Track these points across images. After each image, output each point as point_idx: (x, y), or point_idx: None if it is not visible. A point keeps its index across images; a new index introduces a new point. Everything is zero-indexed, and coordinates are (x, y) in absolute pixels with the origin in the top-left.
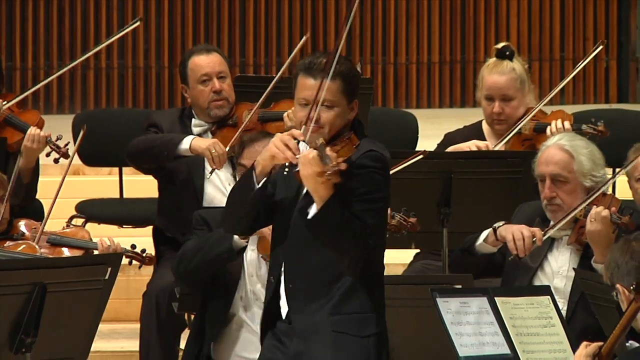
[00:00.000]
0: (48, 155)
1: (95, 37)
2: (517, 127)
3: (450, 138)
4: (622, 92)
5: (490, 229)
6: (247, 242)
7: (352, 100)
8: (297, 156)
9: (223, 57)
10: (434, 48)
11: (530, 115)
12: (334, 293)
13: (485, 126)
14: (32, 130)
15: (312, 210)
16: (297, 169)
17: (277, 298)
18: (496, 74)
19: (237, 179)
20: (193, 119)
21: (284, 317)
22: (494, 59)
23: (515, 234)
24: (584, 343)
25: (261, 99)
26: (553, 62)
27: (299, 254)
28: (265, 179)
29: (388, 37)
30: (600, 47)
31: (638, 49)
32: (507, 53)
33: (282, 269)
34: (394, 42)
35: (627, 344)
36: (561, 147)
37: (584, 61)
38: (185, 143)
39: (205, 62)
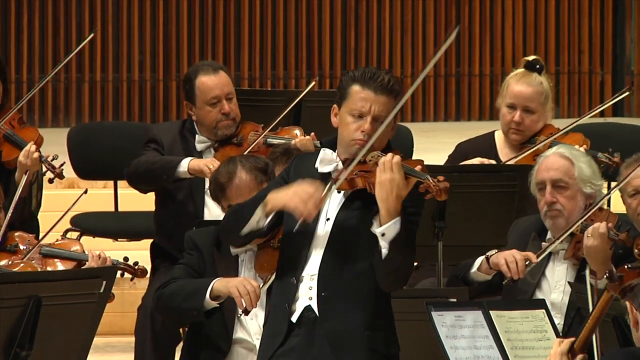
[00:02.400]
0: (44, 173)
1: (90, 49)
2: (534, 147)
3: (462, 148)
4: (617, 105)
5: (483, 257)
6: (218, 305)
7: (395, 121)
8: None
9: (228, 74)
10: (428, 61)
11: (552, 138)
12: (366, 305)
13: (498, 136)
14: (28, 147)
15: (382, 226)
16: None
17: (292, 299)
18: (524, 84)
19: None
20: (197, 135)
21: (294, 319)
22: (522, 69)
23: (508, 257)
24: (557, 340)
25: (271, 123)
26: (548, 76)
27: (336, 263)
28: (270, 217)
29: (383, 50)
30: (627, 94)
31: (633, 62)
32: (537, 67)
33: (306, 273)
34: (388, 55)
35: None
36: (561, 155)
37: (608, 102)
38: (183, 165)
39: (214, 83)
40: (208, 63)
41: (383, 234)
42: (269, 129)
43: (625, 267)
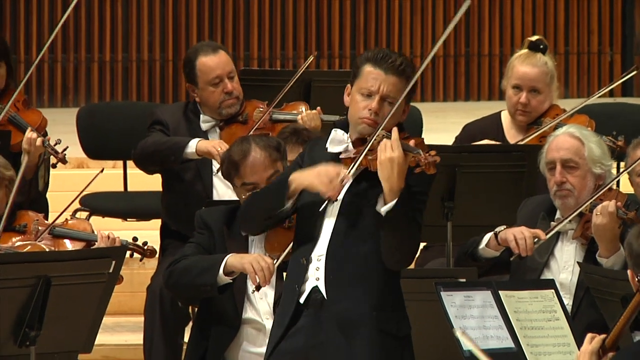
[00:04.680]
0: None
1: (99, 30)
2: (541, 129)
3: (469, 129)
4: (627, 86)
5: (492, 233)
6: (232, 280)
7: (408, 103)
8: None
9: (228, 53)
10: (438, 40)
11: (558, 120)
12: (374, 286)
13: (504, 117)
14: (30, 134)
15: (386, 204)
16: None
17: (301, 280)
18: (529, 65)
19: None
20: (201, 115)
21: (302, 301)
22: (526, 50)
23: (517, 234)
24: (589, 336)
25: (275, 99)
26: (557, 56)
27: (343, 244)
28: (294, 199)
29: (392, 30)
30: (634, 73)
31: None
32: (541, 47)
33: (315, 254)
34: (398, 35)
35: (632, 334)
36: (571, 135)
37: (616, 82)
38: (191, 146)
39: (215, 62)
40: (206, 44)
41: (387, 212)
42: (273, 105)
43: None
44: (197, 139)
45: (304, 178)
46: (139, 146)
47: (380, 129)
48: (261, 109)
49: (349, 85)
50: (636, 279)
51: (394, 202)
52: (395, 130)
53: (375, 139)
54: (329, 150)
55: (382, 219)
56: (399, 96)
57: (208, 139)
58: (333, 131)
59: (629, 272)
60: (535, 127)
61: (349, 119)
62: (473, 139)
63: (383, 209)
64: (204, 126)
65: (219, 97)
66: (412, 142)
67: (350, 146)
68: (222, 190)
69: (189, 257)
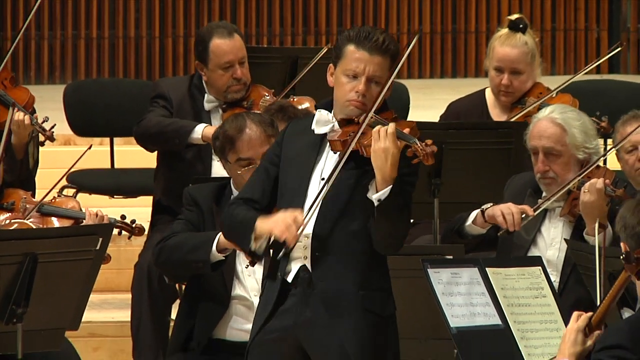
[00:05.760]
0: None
1: (86, 7)
2: (525, 109)
3: (453, 107)
4: (613, 62)
5: (478, 210)
6: (225, 257)
7: (392, 82)
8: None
9: (242, 37)
10: (425, 18)
11: (541, 101)
12: (360, 266)
13: (488, 95)
14: (17, 116)
15: (378, 192)
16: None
17: (288, 258)
18: (508, 46)
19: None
20: (206, 95)
21: (290, 280)
22: (506, 30)
23: (504, 209)
24: (575, 314)
25: (283, 91)
26: (544, 33)
27: (330, 224)
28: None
29: (379, 7)
30: (618, 49)
31: (629, 18)
32: (521, 26)
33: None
34: (384, 12)
35: (620, 311)
36: (553, 121)
37: (600, 59)
38: (197, 132)
39: (229, 47)
40: (223, 25)
41: (379, 200)
42: (280, 96)
43: None
44: (203, 125)
45: (265, 226)
46: (141, 124)
47: (372, 112)
48: (267, 98)
49: (331, 65)
50: (621, 257)
51: (386, 190)
52: (392, 125)
53: (367, 123)
54: (315, 132)
55: (373, 207)
56: (385, 75)
57: (210, 119)
58: (317, 112)
59: (622, 244)
60: (519, 106)
61: (335, 100)
62: (457, 117)
63: (375, 197)
64: (207, 106)
65: (227, 82)
66: (407, 130)
67: (336, 125)
68: (221, 172)
69: (179, 234)
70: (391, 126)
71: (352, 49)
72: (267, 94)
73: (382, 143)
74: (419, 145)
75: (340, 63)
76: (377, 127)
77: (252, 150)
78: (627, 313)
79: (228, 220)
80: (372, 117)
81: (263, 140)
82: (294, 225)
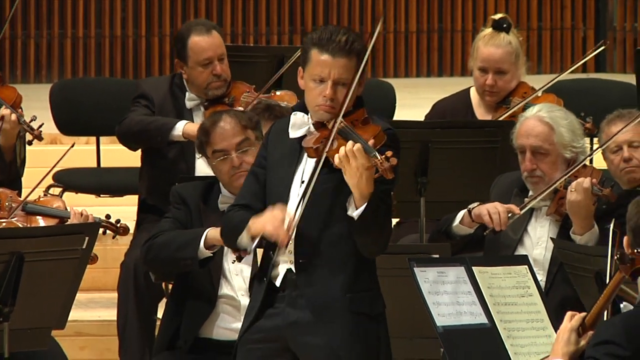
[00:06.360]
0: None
1: (72, 6)
2: (510, 110)
3: (439, 107)
4: (600, 61)
5: (465, 210)
6: (213, 254)
7: (362, 77)
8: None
9: (221, 33)
10: (411, 17)
11: (526, 101)
12: (346, 269)
13: (473, 95)
14: (5, 115)
15: (356, 209)
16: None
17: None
18: (492, 46)
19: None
20: (187, 93)
21: (278, 284)
22: (490, 29)
23: (491, 209)
24: (569, 314)
25: (265, 86)
26: (530, 31)
27: (314, 229)
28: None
29: (365, 6)
30: (602, 48)
31: (615, 17)
32: (505, 25)
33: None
34: (371, 11)
35: (621, 305)
36: (541, 119)
37: (584, 58)
38: (178, 129)
39: (208, 44)
40: (201, 22)
41: (360, 216)
42: (262, 92)
43: (636, 250)
44: (184, 122)
45: (258, 224)
46: (123, 123)
47: (340, 117)
48: (248, 93)
49: (300, 68)
50: (615, 257)
51: (364, 206)
52: (362, 114)
53: (336, 129)
54: (290, 136)
55: (354, 223)
56: (352, 76)
57: (192, 117)
58: (292, 115)
59: (625, 238)
60: (504, 106)
61: (307, 104)
62: (443, 117)
63: (355, 214)
64: (189, 104)
65: (207, 78)
66: (371, 140)
67: (312, 128)
68: (204, 169)
69: (167, 232)
70: (357, 146)
71: (316, 53)
72: (248, 90)
73: (353, 162)
74: (379, 159)
75: (307, 67)
76: (345, 149)
77: (225, 142)
78: (626, 308)
79: (225, 227)
80: (341, 122)
81: (237, 131)
82: (282, 224)
